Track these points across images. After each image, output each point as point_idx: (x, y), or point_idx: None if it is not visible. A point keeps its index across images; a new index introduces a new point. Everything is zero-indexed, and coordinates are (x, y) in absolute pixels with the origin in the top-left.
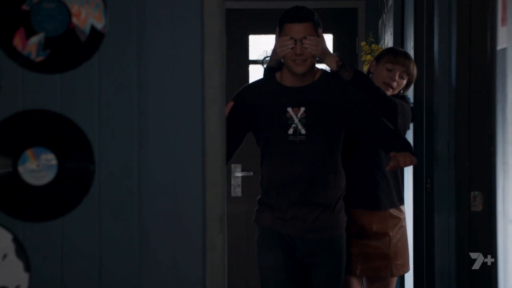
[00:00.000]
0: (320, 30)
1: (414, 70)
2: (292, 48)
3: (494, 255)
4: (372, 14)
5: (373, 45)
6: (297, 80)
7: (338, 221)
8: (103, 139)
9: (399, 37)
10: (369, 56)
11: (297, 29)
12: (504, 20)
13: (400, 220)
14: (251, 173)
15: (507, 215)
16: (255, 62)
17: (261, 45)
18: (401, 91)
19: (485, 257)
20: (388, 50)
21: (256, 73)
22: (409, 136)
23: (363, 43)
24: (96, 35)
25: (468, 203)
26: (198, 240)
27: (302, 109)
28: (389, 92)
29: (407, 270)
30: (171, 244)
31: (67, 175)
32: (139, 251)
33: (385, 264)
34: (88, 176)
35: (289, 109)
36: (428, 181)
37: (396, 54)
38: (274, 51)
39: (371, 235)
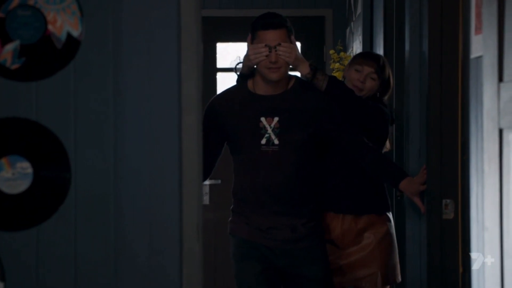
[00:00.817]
0: (293, 37)
1: (386, 72)
2: (266, 56)
3: (467, 264)
4: (339, 22)
5: (342, 53)
6: (270, 88)
7: (316, 229)
8: (79, 147)
9: (368, 45)
10: (337, 64)
11: (271, 36)
12: (478, 29)
13: (384, 227)
14: (219, 181)
15: (481, 222)
16: (223, 70)
17: (229, 53)
18: (378, 94)
19: (457, 265)
20: (359, 53)
21: (224, 81)
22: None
23: (331, 51)
24: (72, 43)
25: (439, 210)
26: (175, 248)
27: (276, 118)
28: (359, 94)
29: (398, 280)
30: (148, 252)
31: (43, 183)
32: (116, 260)
33: (371, 273)
34: (64, 184)
35: (263, 119)
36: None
37: (364, 55)
38: (246, 58)
39: (352, 243)
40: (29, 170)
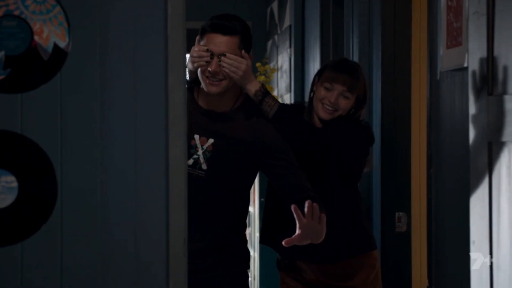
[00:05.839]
0: (246, 52)
1: (362, 85)
2: (206, 62)
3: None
4: (259, 35)
5: (267, 66)
6: (212, 102)
7: (233, 256)
8: (65, 161)
9: (300, 58)
10: (262, 77)
11: (218, 41)
12: (449, 43)
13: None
14: None
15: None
16: None
17: None
18: (352, 110)
19: (410, 277)
20: (331, 64)
21: None
22: None
23: (258, 64)
24: (59, 54)
25: (392, 223)
26: (162, 266)
27: (211, 140)
28: (330, 115)
29: None
30: (134, 271)
31: (28, 197)
32: (103, 275)
33: None
34: (50, 198)
35: (196, 137)
36: None
37: (337, 69)
38: (189, 59)
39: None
40: (14, 184)
